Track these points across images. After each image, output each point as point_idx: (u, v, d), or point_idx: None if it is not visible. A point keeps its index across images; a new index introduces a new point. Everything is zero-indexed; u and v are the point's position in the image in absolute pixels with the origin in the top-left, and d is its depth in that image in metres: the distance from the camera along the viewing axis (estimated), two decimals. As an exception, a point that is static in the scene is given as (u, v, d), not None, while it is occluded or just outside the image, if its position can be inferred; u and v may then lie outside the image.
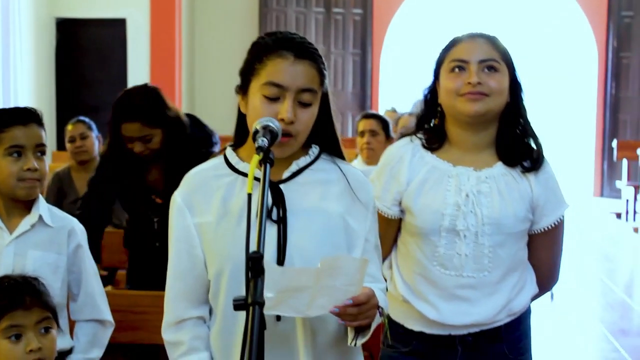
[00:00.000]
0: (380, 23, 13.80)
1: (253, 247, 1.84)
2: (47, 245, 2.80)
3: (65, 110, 11.77)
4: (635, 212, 11.35)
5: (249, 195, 1.88)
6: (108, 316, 2.93)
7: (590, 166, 14.34)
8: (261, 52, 2.17)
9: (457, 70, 2.63)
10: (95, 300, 2.89)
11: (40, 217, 2.80)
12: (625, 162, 11.87)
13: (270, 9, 13.41)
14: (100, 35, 12.38)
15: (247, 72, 2.19)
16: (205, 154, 3.62)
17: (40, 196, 2.85)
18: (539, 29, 15.84)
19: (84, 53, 12.34)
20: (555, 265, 2.82)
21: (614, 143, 12.49)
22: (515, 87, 2.68)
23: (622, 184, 11.89)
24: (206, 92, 13.17)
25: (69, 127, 5.87)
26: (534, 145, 2.70)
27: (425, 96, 2.75)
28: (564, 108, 16.49)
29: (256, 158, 1.96)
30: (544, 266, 2.78)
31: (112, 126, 3.79)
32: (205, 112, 12.58)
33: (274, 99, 2.13)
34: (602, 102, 13.96)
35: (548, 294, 7.34)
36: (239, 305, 1.79)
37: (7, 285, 2.46)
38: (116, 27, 12.29)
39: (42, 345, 2.43)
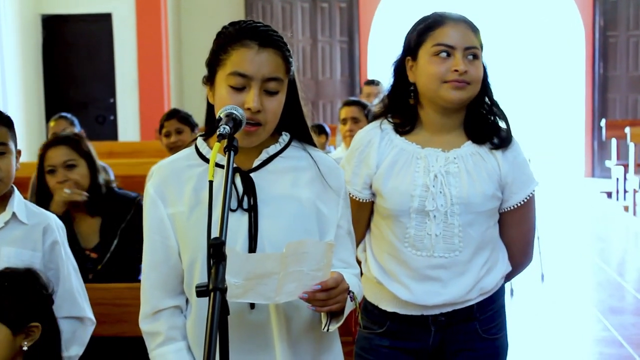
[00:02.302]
0: (367, 10, 13.80)
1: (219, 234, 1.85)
2: (22, 242, 2.80)
3: (54, 106, 11.77)
4: (625, 191, 11.38)
5: (210, 182, 1.90)
6: (88, 313, 2.92)
7: (580, 147, 14.35)
8: (225, 42, 2.17)
9: (442, 55, 2.62)
10: (74, 297, 2.87)
11: (14, 214, 2.81)
12: (614, 141, 11.87)
13: (255, -1, 13.42)
14: (87, 31, 12.36)
15: (213, 63, 2.20)
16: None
17: (15, 192, 2.85)
18: (526, 10, 15.83)
19: (71, 49, 12.32)
20: (528, 243, 2.83)
21: (603, 122, 12.51)
22: (484, 71, 2.69)
23: (612, 163, 11.90)
24: (194, 84, 13.10)
25: (51, 123, 5.88)
26: (503, 125, 2.72)
27: (396, 67, 2.74)
28: (553, 89, 16.50)
29: (217, 146, 1.97)
30: (515, 244, 2.80)
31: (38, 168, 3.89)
32: (193, 104, 12.61)
33: (240, 89, 2.14)
34: (591, 82, 13.98)
35: (539, 274, 7.44)
36: (201, 291, 1.80)
37: None
38: (102, 22, 12.28)
39: None
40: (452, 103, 2.63)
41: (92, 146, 3.97)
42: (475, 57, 2.63)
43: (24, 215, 2.83)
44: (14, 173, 2.82)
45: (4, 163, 2.77)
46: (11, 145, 2.79)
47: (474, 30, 2.66)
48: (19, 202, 2.84)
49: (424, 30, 2.67)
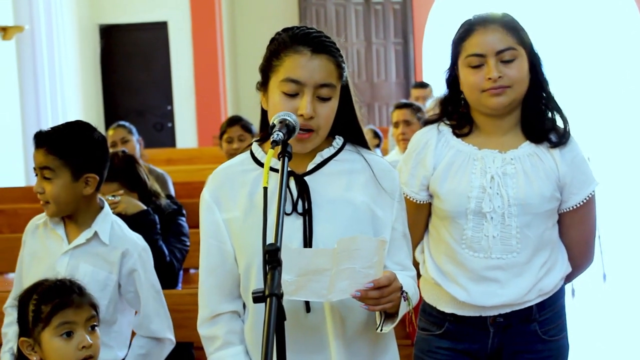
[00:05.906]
0: (421, 11, 13.74)
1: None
2: (99, 262, 2.86)
3: (112, 115, 11.91)
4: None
5: (265, 189, 1.91)
6: (167, 334, 2.98)
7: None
8: (278, 48, 2.19)
9: (475, 65, 2.62)
10: (151, 321, 2.93)
11: (96, 233, 2.86)
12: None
13: (309, 3, 13.42)
14: (143, 39, 12.50)
15: (266, 69, 2.22)
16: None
17: (104, 211, 2.91)
18: (589, 8, 15.73)
19: (128, 57, 12.46)
20: (588, 244, 2.80)
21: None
22: (534, 63, 2.65)
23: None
24: (250, 90, 13.15)
25: (110, 132, 5.94)
26: (559, 120, 2.69)
27: (447, 79, 2.76)
28: (615, 86, 16.33)
29: (271, 152, 1.98)
30: (575, 245, 2.77)
31: None
32: (249, 110, 12.67)
33: (292, 95, 2.15)
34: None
35: (600, 274, 7.33)
36: (257, 297, 1.81)
37: (56, 285, 2.53)
38: (158, 30, 12.40)
39: (92, 342, 2.50)
40: (496, 110, 2.63)
41: (144, 170, 4.01)
42: (512, 58, 2.60)
43: (106, 235, 2.87)
44: (70, 197, 2.83)
45: (50, 186, 2.81)
46: (62, 169, 2.81)
47: (509, 29, 2.62)
48: (104, 221, 2.89)
49: (458, 41, 2.68)
